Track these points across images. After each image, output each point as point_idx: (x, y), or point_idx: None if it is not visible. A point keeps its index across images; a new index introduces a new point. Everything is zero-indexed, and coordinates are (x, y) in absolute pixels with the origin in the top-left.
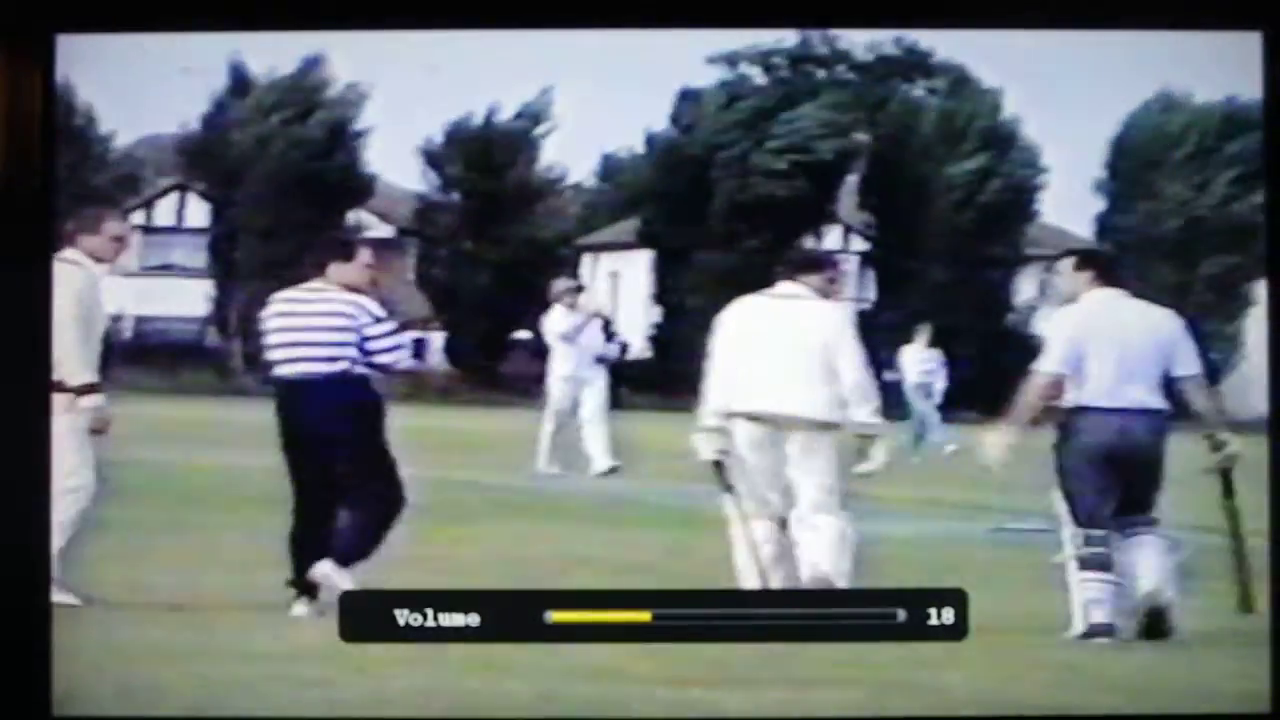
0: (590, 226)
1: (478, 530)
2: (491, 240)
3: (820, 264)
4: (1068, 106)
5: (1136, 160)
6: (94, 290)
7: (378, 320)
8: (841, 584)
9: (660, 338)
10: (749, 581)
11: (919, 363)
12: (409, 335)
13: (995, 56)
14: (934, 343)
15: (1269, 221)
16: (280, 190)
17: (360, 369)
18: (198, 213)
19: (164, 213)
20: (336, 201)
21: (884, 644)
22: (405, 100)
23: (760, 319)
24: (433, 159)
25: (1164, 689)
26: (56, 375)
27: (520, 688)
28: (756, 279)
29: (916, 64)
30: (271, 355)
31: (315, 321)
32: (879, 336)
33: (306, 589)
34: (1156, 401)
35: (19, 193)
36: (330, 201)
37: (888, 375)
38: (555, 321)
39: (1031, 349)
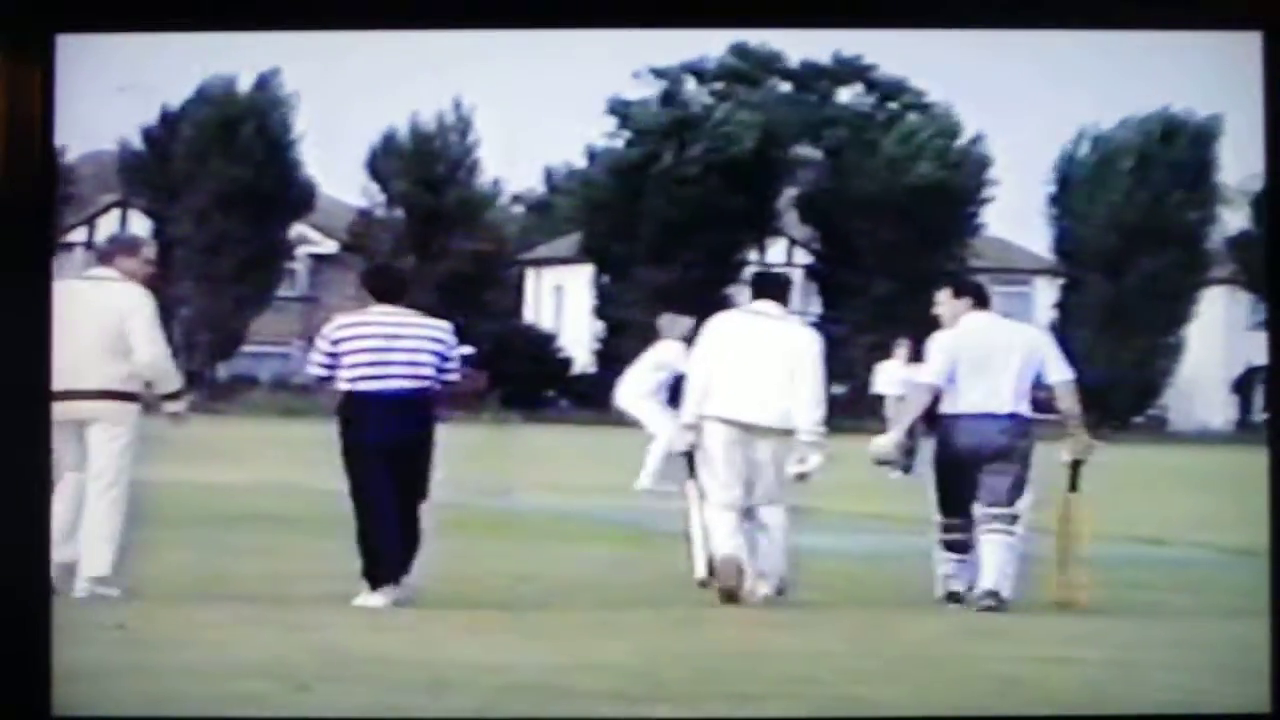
0: (532, 241)
1: (423, 548)
2: (434, 254)
3: (784, 285)
4: (1016, 121)
5: (1082, 174)
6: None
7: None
8: (775, 581)
9: (603, 352)
10: (699, 557)
11: (899, 379)
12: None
13: (944, 71)
14: (914, 358)
15: (1269, 222)
16: (220, 204)
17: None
18: (140, 229)
19: (106, 230)
20: (277, 215)
21: (821, 658)
22: (347, 117)
23: (740, 334)
24: (376, 174)
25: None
26: (160, 388)
27: (461, 704)
28: (696, 294)
29: (856, 76)
30: (355, 371)
31: (409, 344)
32: (826, 350)
33: (378, 582)
34: (1021, 409)
35: (19, 193)
36: (270, 215)
37: (836, 388)
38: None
39: None
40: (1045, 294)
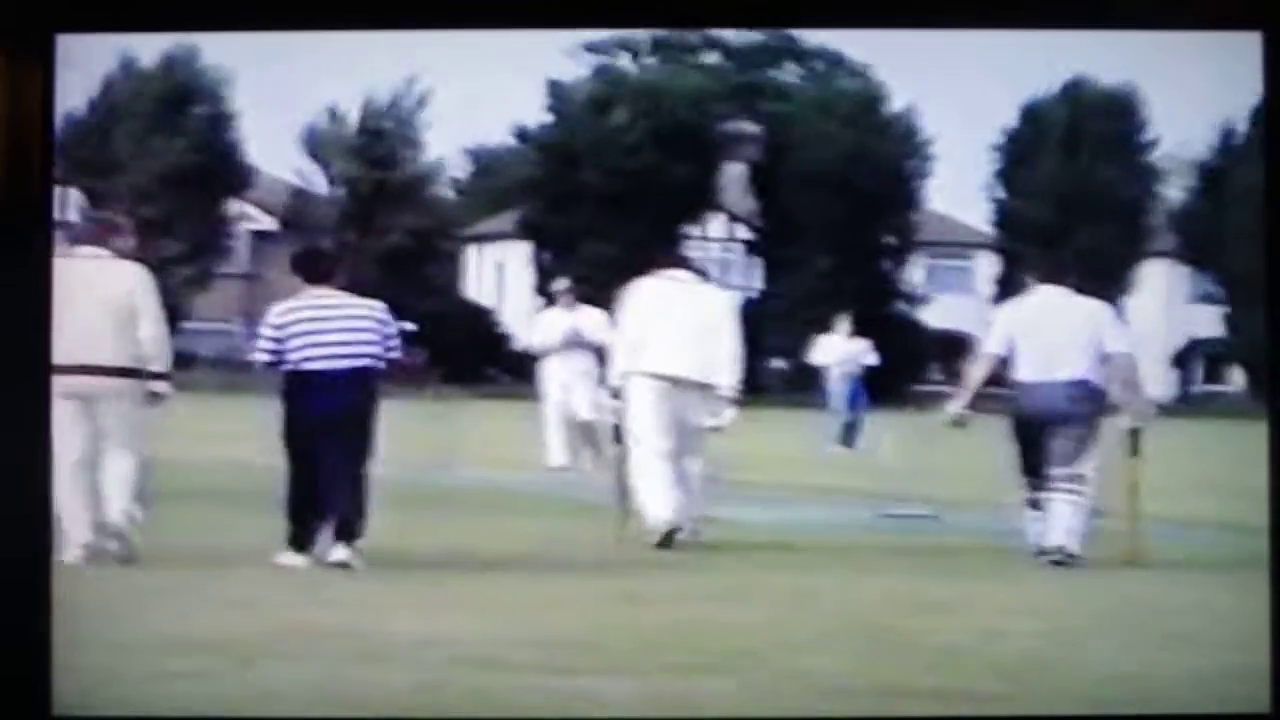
0: (471, 218)
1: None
2: (374, 231)
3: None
4: (957, 96)
5: (1021, 148)
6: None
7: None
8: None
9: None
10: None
11: (841, 353)
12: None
13: (881, 43)
14: (856, 332)
15: (1269, 219)
16: (162, 182)
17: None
18: (75, 206)
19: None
20: (217, 192)
21: (762, 630)
22: (285, 94)
23: (660, 297)
24: (314, 152)
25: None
26: (154, 365)
27: (403, 678)
28: (638, 269)
29: (791, 50)
30: (298, 353)
31: (349, 324)
32: (767, 325)
33: (301, 547)
34: (1083, 376)
35: (19, 193)
36: (211, 193)
37: (777, 363)
38: (551, 323)
39: (923, 336)
40: (986, 269)
